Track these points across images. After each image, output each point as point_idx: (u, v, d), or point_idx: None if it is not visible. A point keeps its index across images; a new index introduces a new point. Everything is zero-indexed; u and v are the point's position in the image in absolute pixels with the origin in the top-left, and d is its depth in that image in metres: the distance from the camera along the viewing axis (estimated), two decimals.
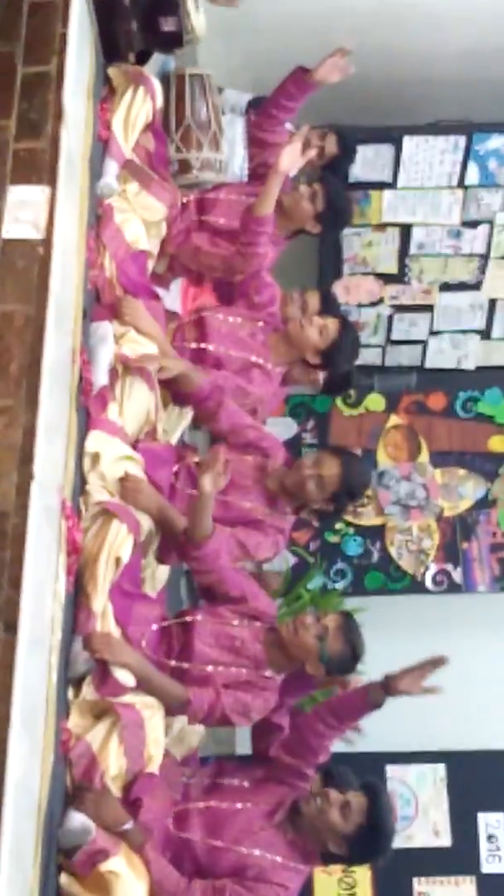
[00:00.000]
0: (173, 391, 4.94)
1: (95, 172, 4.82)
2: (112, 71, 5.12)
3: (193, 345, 5.12)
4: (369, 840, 4.32)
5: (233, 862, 4.25)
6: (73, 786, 3.97)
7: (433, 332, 8.48)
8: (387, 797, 4.44)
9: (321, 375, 5.33)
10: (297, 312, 5.48)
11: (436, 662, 4.44)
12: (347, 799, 4.29)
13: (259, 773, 4.54)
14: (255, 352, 5.14)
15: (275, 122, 5.61)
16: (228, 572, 4.65)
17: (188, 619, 4.55)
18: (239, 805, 4.36)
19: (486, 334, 8.51)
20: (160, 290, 5.33)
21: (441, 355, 8.59)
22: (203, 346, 5.11)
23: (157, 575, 4.86)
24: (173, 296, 5.68)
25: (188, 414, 5.17)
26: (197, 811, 4.33)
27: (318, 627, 4.54)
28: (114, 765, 3.97)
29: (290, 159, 5.16)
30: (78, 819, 3.82)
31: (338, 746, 6.60)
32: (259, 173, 5.72)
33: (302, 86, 5.49)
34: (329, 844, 4.31)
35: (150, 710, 4.17)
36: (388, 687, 4.38)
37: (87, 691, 4.08)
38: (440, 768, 7.91)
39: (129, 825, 3.99)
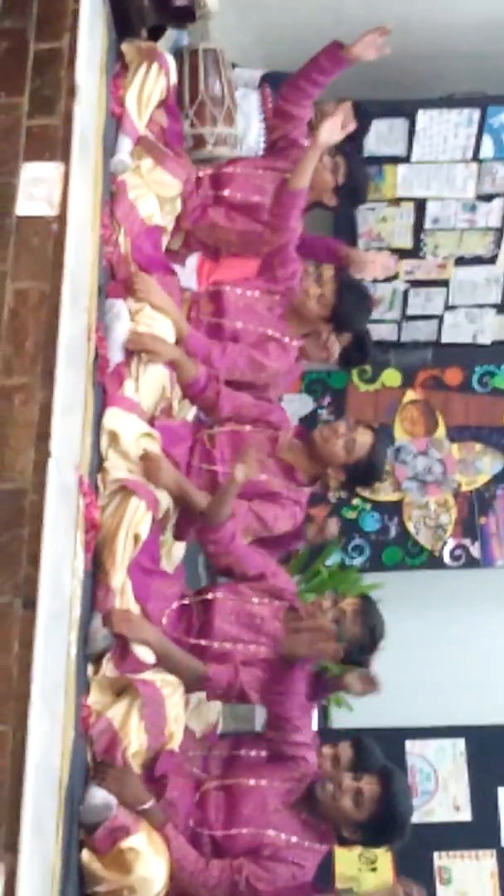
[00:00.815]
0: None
1: (109, 149, 4.81)
2: (126, 47, 5.10)
3: (209, 319, 5.10)
4: (382, 828, 4.31)
5: (248, 841, 4.25)
6: (94, 762, 3.97)
7: (449, 307, 8.46)
8: (403, 783, 4.40)
9: (335, 347, 5.29)
10: (313, 285, 5.47)
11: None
12: (360, 786, 4.26)
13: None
14: (272, 325, 5.12)
15: (302, 95, 5.55)
16: (244, 552, 4.65)
17: (208, 596, 4.55)
18: (253, 782, 4.36)
19: (502, 308, 8.49)
20: (175, 266, 5.32)
21: (457, 330, 8.58)
22: (219, 320, 5.09)
23: (174, 552, 4.87)
24: (189, 272, 5.67)
25: None
26: (212, 789, 4.33)
27: (335, 611, 4.54)
28: (135, 741, 3.98)
29: (331, 132, 5.10)
30: (100, 795, 3.83)
31: (358, 720, 6.62)
32: (280, 146, 5.68)
33: (336, 61, 5.43)
34: (342, 829, 4.31)
35: (170, 688, 4.17)
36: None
37: (107, 668, 4.09)
38: (460, 743, 7.90)
39: (150, 803, 3.99)
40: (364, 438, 4.90)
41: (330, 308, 5.13)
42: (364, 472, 4.97)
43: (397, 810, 4.30)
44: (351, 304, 5.17)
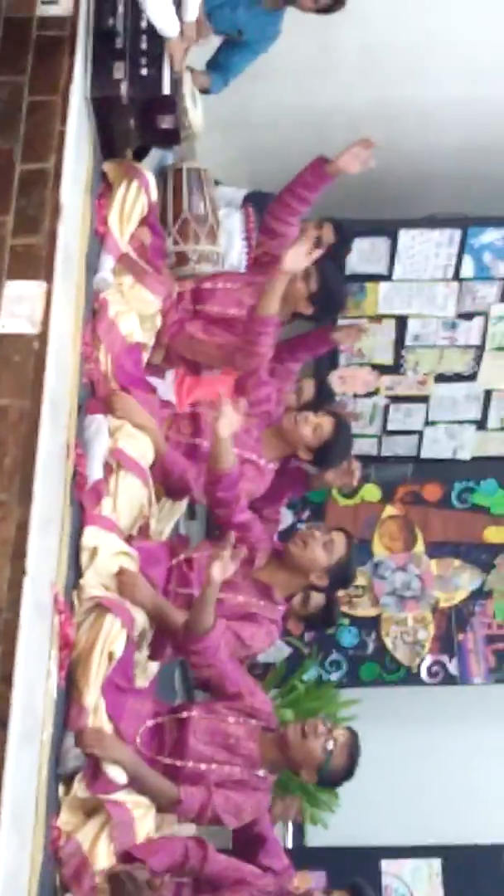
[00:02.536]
0: (166, 486, 4.98)
1: (92, 266, 4.86)
2: (107, 165, 5.17)
3: (188, 439, 5.12)
4: None
5: None
6: (62, 881, 3.92)
7: (429, 423, 8.51)
8: None
9: (358, 472, 5.37)
10: (293, 399, 5.50)
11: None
12: None
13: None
14: (249, 448, 5.13)
15: (288, 211, 5.58)
16: (228, 667, 4.62)
17: (183, 714, 4.52)
18: None
19: (481, 425, 8.54)
20: (156, 380, 5.35)
21: (437, 445, 8.62)
22: (197, 440, 5.11)
23: (149, 668, 4.84)
24: (168, 385, 5.70)
25: (181, 506, 5.18)
26: None
27: (328, 736, 4.53)
28: (104, 864, 3.93)
29: (296, 261, 5.17)
30: None
31: (333, 838, 6.57)
32: (263, 262, 5.72)
33: (320, 175, 5.49)
34: None
35: (141, 809, 4.13)
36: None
37: (79, 788, 4.04)
38: (436, 863, 7.83)
39: None
40: (340, 539, 4.94)
41: (322, 441, 5.18)
42: (343, 574, 4.99)
43: None
44: (341, 444, 5.24)
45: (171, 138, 5.26)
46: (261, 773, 4.52)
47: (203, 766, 4.43)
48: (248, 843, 4.63)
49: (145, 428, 4.77)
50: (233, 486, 4.81)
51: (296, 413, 5.24)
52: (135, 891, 3.87)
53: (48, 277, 4.20)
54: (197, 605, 4.46)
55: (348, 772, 4.59)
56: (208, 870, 4.25)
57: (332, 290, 5.66)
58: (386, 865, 7.78)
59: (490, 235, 7.61)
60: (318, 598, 5.04)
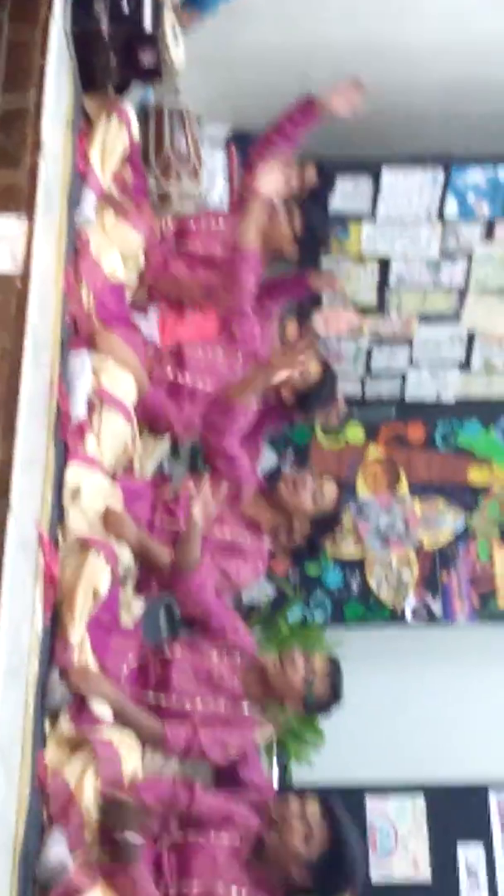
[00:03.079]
0: (148, 425, 4.98)
1: (74, 204, 4.82)
2: (88, 101, 5.11)
3: (170, 376, 5.10)
4: (333, 868, 4.21)
5: None
6: (49, 816, 3.92)
7: (412, 364, 8.49)
8: (350, 824, 4.33)
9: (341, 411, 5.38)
10: (276, 341, 5.49)
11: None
12: (311, 826, 4.23)
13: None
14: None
15: (275, 149, 5.53)
16: (214, 605, 4.66)
17: (167, 652, 4.54)
18: (203, 840, 4.30)
19: (465, 366, 8.53)
20: (139, 317, 5.32)
21: (420, 387, 8.62)
22: (179, 378, 5.09)
23: (134, 606, 4.85)
24: (152, 323, 5.67)
25: (164, 444, 5.17)
26: (166, 849, 4.28)
27: (306, 668, 4.55)
28: (90, 800, 3.94)
29: (272, 183, 5.12)
30: (55, 854, 3.79)
31: (318, 776, 6.60)
32: (247, 200, 5.68)
33: (308, 113, 5.45)
34: (293, 874, 4.23)
35: (126, 746, 4.14)
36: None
37: (64, 723, 4.06)
38: (419, 800, 7.90)
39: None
40: (330, 488, 4.96)
41: (307, 385, 5.24)
42: (328, 522, 5.01)
43: (348, 848, 4.22)
44: (325, 392, 5.26)
45: (152, 75, 5.20)
46: (245, 709, 4.55)
47: (188, 703, 4.46)
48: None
49: (128, 366, 4.75)
50: (243, 415, 4.88)
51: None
52: (126, 817, 3.89)
53: (29, 214, 4.16)
54: (181, 543, 4.49)
55: (333, 697, 4.62)
56: (195, 809, 4.26)
57: (316, 234, 5.62)
58: (370, 802, 7.85)
59: (474, 175, 7.55)
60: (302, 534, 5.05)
